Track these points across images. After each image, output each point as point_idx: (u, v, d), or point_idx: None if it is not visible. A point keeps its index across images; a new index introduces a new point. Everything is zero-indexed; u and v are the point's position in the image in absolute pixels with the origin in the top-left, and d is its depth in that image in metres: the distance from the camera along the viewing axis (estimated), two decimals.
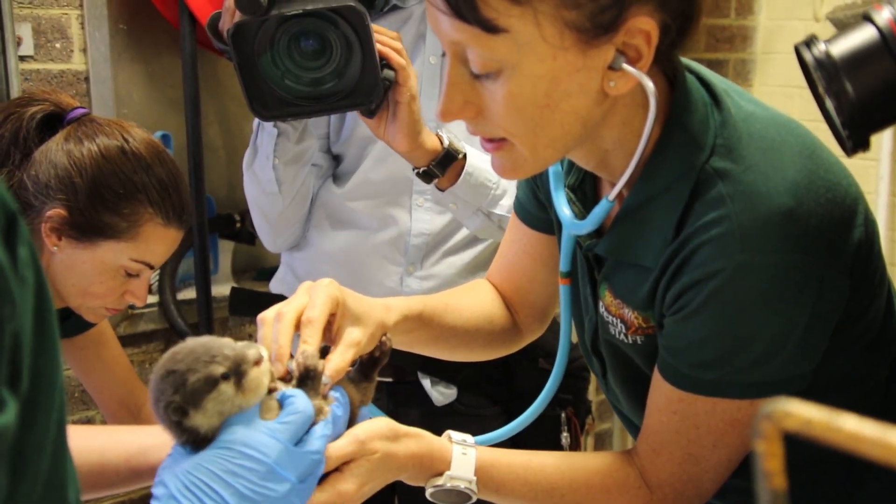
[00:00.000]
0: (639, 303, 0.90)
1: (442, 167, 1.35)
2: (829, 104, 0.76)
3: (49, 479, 0.55)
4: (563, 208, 0.95)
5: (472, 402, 1.66)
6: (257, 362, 0.72)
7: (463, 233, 1.56)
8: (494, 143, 0.85)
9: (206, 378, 0.70)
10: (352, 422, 0.83)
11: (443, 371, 1.63)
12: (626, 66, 0.79)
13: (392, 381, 1.64)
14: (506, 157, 0.85)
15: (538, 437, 1.73)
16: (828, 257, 0.81)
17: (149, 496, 0.71)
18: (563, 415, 1.74)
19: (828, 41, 0.77)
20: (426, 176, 1.36)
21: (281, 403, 0.75)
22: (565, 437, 1.72)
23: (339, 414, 0.79)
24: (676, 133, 0.85)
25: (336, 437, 0.80)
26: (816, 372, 0.86)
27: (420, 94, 1.49)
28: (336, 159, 1.61)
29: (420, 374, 1.63)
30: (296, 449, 0.73)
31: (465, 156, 1.36)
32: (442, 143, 1.35)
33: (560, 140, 0.84)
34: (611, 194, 0.87)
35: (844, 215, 0.82)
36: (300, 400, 0.75)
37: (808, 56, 0.77)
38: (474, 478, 0.89)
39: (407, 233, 1.54)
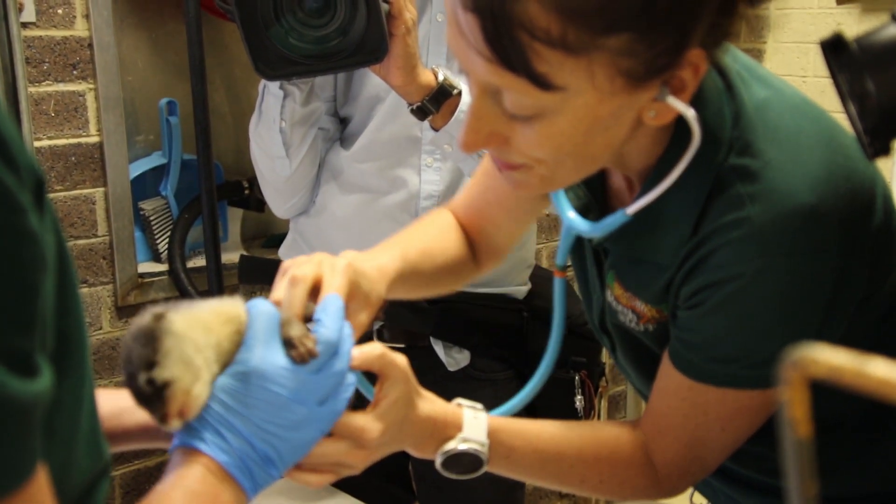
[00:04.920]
0: (651, 297, 0.88)
1: (436, 103, 1.33)
2: (852, 107, 0.72)
3: (89, 438, 0.55)
4: (569, 212, 0.92)
5: (486, 367, 1.65)
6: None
7: None
8: (514, 166, 0.80)
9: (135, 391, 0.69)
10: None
11: (455, 336, 1.63)
12: (670, 99, 0.75)
13: (404, 346, 1.63)
14: (523, 178, 0.81)
15: (552, 401, 1.72)
16: (849, 251, 0.80)
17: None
18: (577, 378, 1.73)
19: (855, 39, 0.73)
20: (420, 112, 1.34)
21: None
22: (579, 400, 1.71)
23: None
24: (689, 133, 0.81)
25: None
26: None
27: (427, 52, 1.47)
28: (343, 122, 1.59)
29: (432, 340, 1.62)
30: (315, 376, 0.71)
31: (459, 93, 1.34)
32: (437, 78, 1.33)
33: (588, 167, 0.82)
34: (629, 208, 0.83)
35: (865, 201, 0.81)
36: (326, 331, 0.73)
37: (831, 56, 0.73)
38: (487, 441, 0.87)
39: (416, 195, 1.52)
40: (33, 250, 0.46)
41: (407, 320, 1.60)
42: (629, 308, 0.91)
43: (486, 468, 0.88)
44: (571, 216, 0.92)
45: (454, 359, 1.63)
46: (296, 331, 0.72)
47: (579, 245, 0.98)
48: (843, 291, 0.81)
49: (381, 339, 1.64)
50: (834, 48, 0.72)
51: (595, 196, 0.93)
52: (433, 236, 1.06)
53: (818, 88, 2.77)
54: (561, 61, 0.70)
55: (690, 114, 0.77)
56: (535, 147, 0.77)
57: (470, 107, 0.77)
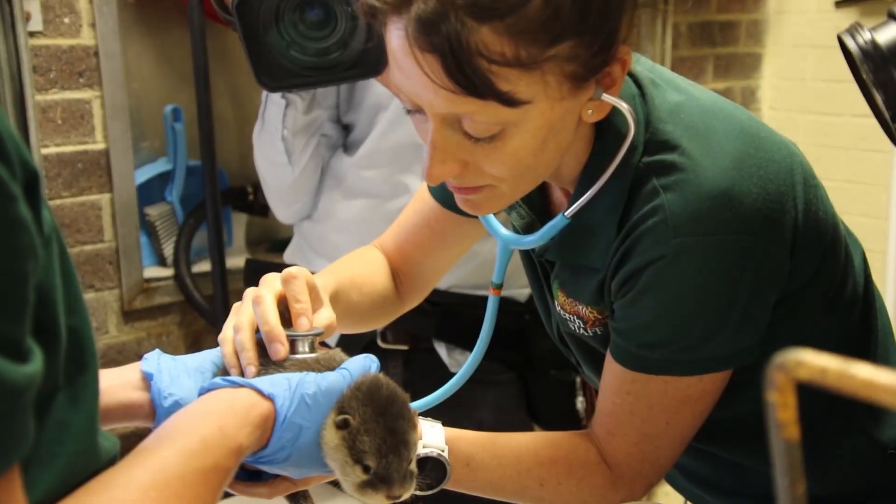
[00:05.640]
0: (589, 299, 0.92)
1: None
2: (878, 96, 0.74)
3: (85, 434, 0.56)
4: (501, 229, 0.95)
5: (488, 369, 1.66)
6: None
7: None
8: (474, 189, 0.84)
9: None
10: None
11: (458, 338, 1.64)
12: (605, 95, 0.81)
13: (407, 349, 1.65)
14: (483, 198, 0.85)
15: (554, 403, 1.74)
16: (764, 234, 0.82)
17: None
18: (578, 380, 1.74)
19: (873, 29, 0.74)
20: None
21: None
22: (581, 402, 1.73)
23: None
24: (608, 134, 0.86)
25: None
26: (769, 340, 0.87)
27: None
28: (346, 129, 1.61)
29: (435, 342, 1.64)
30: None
31: None
32: None
33: (542, 175, 0.87)
34: (568, 210, 0.88)
35: (780, 189, 0.83)
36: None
37: (852, 45, 0.74)
38: (446, 447, 0.89)
39: None
40: (23, 237, 0.47)
41: (410, 322, 1.62)
42: (574, 314, 0.94)
43: (449, 475, 0.89)
44: (505, 233, 0.95)
45: (457, 360, 1.64)
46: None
47: (532, 265, 1.02)
48: (763, 273, 0.84)
49: (385, 340, 1.66)
50: (853, 39, 0.73)
51: (537, 214, 0.96)
52: (361, 267, 1.08)
53: (817, 92, 2.79)
54: (519, 77, 0.75)
55: (624, 106, 0.83)
56: (498, 165, 0.81)
57: (431, 141, 0.80)
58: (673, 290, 0.84)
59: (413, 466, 0.75)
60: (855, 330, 0.96)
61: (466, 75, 0.74)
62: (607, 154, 0.86)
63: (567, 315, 0.95)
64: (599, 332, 0.93)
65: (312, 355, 0.78)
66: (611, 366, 0.91)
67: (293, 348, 0.78)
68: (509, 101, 0.76)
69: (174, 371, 0.76)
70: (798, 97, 2.83)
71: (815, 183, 0.88)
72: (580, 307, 0.93)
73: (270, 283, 0.82)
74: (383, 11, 0.77)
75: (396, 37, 0.77)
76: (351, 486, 0.73)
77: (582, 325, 0.94)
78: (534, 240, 0.93)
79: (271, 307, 0.79)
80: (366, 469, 0.72)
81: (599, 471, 0.92)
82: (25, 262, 0.47)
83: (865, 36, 0.75)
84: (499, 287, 1.02)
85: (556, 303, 0.97)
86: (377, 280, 1.08)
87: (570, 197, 0.92)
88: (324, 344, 0.87)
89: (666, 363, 0.87)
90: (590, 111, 0.82)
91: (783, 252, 0.84)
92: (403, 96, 0.81)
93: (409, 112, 0.83)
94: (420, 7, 0.74)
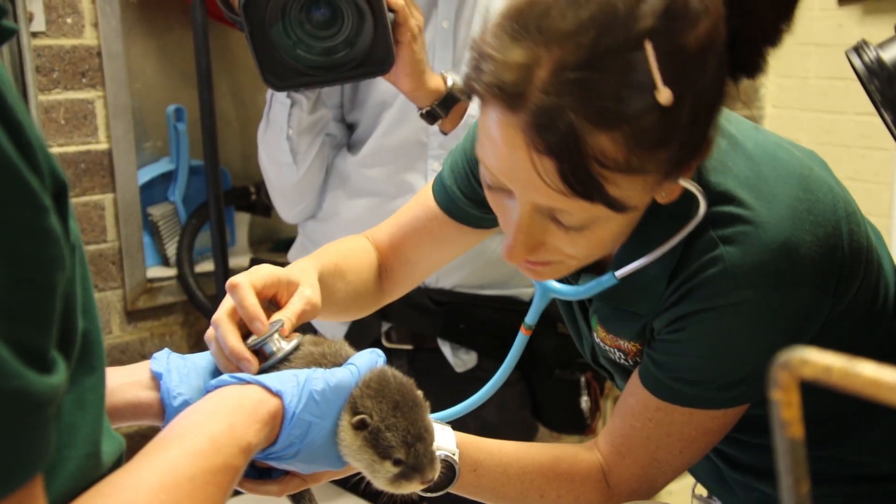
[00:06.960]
0: (631, 335, 0.93)
1: (445, 108, 1.36)
2: (886, 116, 0.73)
3: (93, 437, 0.57)
4: (552, 282, 0.96)
5: (493, 368, 1.66)
6: None
7: None
8: (544, 262, 0.85)
9: None
10: None
11: (462, 337, 1.64)
12: (682, 181, 0.81)
13: (412, 348, 1.65)
14: (550, 270, 0.86)
15: (558, 402, 1.74)
16: (816, 283, 0.84)
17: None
18: (582, 379, 1.75)
19: (879, 46, 0.74)
20: (429, 117, 1.37)
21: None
22: (585, 401, 1.73)
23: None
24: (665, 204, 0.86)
25: None
26: None
27: (433, 58, 1.49)
28: (350, 128, 1.61)
29: (440, 341, 1.64)
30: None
31: (469, 97, 1.36)
32: (445, 83, 1.35)
33: (610, 249, 0.88)
34: (619, 271, 0.88)
35: (829, 232, 0.84)
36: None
37: (858, 64, 0.73)
38: (457, 450, 0.90)
39: None
40: (53, 249, 0.47)
41: (414, 322, 1.62)
42: (615, 348, 0.95)
43: (458, 478, 0.90)
44: (555, 284, 0.96)
45: (461, 360, 1.65)
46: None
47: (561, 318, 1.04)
48: (809, 320, 0.85)
49: (389, 340, 1.66)
50: (860, 56, 0.73)
51: None
52: (347, 254, 1.07)
53: (820, 90, 2.78)
54: (625, 181, 0.75)
55: (698, 189, 0.83)
56: (580, 248, 0.82)
57: (517, 225, 0.80)
58: (724, 339, 0.85)
59: (434, 447, 0.76)
60: (884, 337, 0.96)
61: (581, 180, 0.74)
62: (661, 220, 0.85)
63: (607, 347, 0.96)
64: (640, 361, 0.94)
65: (293, 344, 0.78)
66: (636, 389, 0.91)
67: (264, 353, 0.78)
68: (618, 206, 0.76)
69: (183, 370, 0.77)
70: (801, 95, 2.83)
71: (853, 209, 0.89)
72: (622, 342, 0.94)
73: (225, 303, 0.83)
74: (487, 100, 0.77)
75: (501, 125, 0.75)
76: (383, 482, 0.74)
77: (623, 357, 0.95)
78: (577, 293, 0.93)
79: (229, 328, 0.80)
80: (396, 462, 0.72)
81: (598, 487, 0.94)
82: (54, 273, 0.48)
83: (871, 54, 0.74)
84: (531, 328, 1.02)
85: (594, 334, 0.98)
86: (362, 271, 1.08)
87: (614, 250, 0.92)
88: (303, 328, 0.86)
89: (698, 398, 0.88)
90: (664, 194, 0.82)
91: (828, 297, 0.85)
92: (486, 172, 0.80)
93: (490, 188, 0.82)
94: (536, 104, 0.73)
